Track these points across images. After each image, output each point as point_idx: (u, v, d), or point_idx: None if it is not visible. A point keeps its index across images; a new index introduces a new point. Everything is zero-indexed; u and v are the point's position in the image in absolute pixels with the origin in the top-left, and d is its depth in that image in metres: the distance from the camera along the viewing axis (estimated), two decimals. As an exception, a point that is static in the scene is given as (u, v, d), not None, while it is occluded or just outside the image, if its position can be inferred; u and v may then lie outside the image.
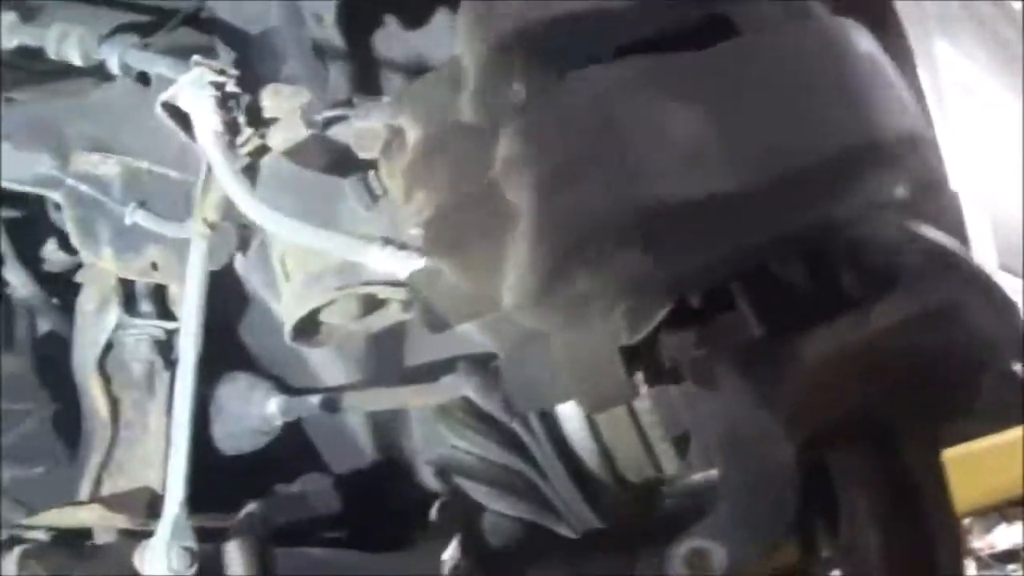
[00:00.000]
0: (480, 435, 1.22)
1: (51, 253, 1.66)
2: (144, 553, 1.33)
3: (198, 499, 1.33)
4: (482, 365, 1.26)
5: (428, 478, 1.61)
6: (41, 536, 1.46)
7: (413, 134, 0.99)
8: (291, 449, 1.71)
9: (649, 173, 0.83)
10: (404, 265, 1.03)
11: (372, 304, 1.27)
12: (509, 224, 0.86)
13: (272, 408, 1.59)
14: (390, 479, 1.65)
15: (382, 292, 1.23)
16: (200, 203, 1.25)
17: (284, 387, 1.64)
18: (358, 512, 1.67)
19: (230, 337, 1.74)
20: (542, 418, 1.20)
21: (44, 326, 1.70)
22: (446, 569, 1.30)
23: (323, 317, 1.27)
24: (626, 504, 1.22)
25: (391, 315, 1.29)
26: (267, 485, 1.60)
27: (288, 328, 1.25)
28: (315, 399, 1.57)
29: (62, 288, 1.64)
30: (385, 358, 1.58)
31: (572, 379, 0.92)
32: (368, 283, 1.20)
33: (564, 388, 0.94)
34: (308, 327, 1.27)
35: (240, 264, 1.55)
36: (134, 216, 1.45)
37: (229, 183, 1.13)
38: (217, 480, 1.38)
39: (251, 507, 1.51)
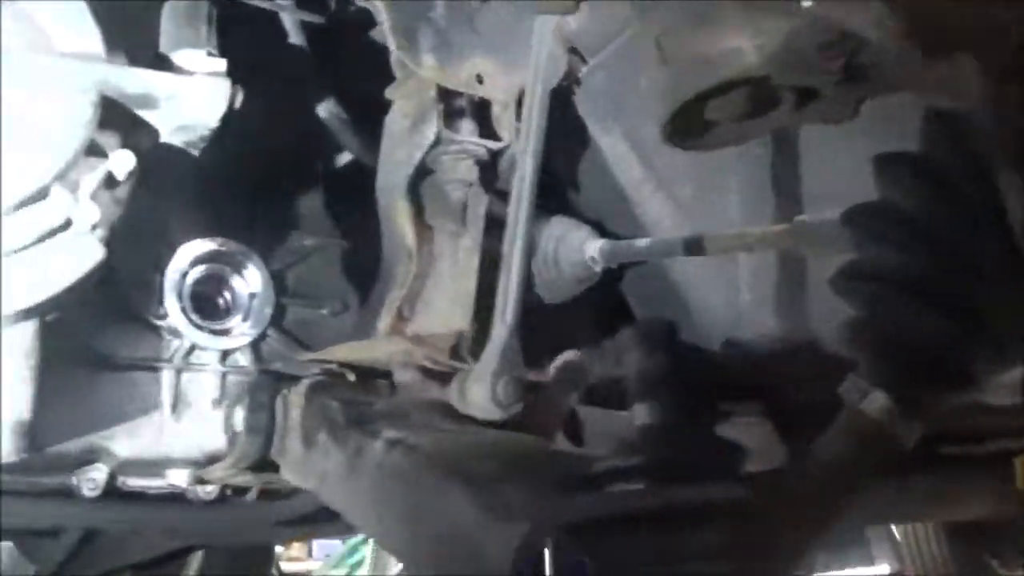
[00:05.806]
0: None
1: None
2: (464, 382, 1.17)
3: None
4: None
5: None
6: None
7: None
8: (608, 303, 1.54)
9: None
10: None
11: (763, 99, 1.06)
12: None
13: (593, 252, 1.40)
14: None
15: (781, 78, 1.02)
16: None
17: (607, 233, 1.46)
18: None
19: (552, 177, 1.58)
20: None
21: (344, 158, 1.55)
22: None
23: (709, 113, 1.07)
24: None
25: (782, 115, 1.08)
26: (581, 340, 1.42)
27: (663, 119, 1.05)
28: (642, 243, 1.38)
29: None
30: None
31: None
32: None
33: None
34: (689, 123, 1.07)
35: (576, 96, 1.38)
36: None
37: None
38: (531, 331, 1.21)
39: (569, 355, 1.34)
